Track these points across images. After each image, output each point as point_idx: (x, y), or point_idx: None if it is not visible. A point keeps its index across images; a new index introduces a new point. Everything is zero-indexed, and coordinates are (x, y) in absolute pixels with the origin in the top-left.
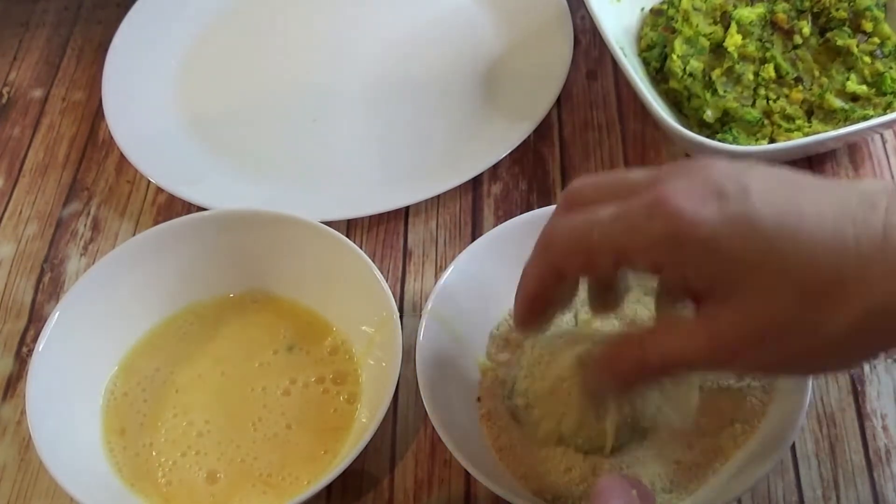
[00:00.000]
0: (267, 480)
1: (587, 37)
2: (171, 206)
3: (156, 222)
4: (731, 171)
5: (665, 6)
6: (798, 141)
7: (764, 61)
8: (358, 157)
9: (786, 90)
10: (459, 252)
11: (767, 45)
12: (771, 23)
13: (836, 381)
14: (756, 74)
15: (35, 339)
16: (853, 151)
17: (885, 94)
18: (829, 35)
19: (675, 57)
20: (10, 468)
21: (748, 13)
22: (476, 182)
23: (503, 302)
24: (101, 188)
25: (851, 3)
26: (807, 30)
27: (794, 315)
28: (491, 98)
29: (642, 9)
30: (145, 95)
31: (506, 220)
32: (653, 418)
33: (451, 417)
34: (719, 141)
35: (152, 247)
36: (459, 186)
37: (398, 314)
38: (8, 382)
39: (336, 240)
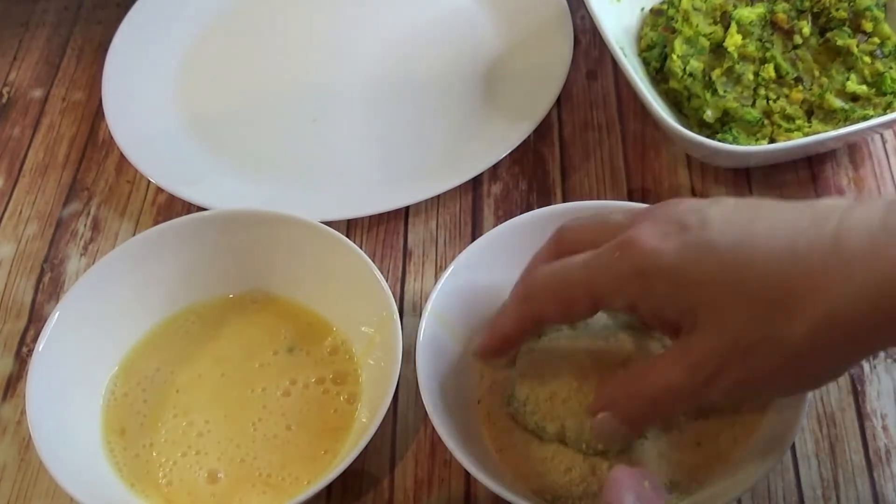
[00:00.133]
0: (267, 480)
1: (587, 37)
2: (171, 206)
3: (156, 222)
4: (695, 206)
5: (665, 6)
6: (798, 141)
7: (764, 61)
8: (358, 157)
9: (786, 90)
10: (459, 252)
11: (767, 45)
12: (771, 23)
13: (836, 381)
14: (756, 74)
15: (35, 339)
16: (853, 151)
17: (885, 94)
18: (829, 35)
19: (675, 57)
20: (10, 468)
21: (748, 13)
22: (476, 182)
23: (503, 302)
24: (101, 188)
25: (851, 3)
26: (807, 30)
27: (755, 330)
28: (491, 98)
29: (642, 9)
30: (145, 95)
31: (506, 220)
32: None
33: (451, 417)
34: (719, 141)
35: (152, 247)
36: (459, 186)
37: (398, 314)
38: (8, 382)
39: (336, 240)
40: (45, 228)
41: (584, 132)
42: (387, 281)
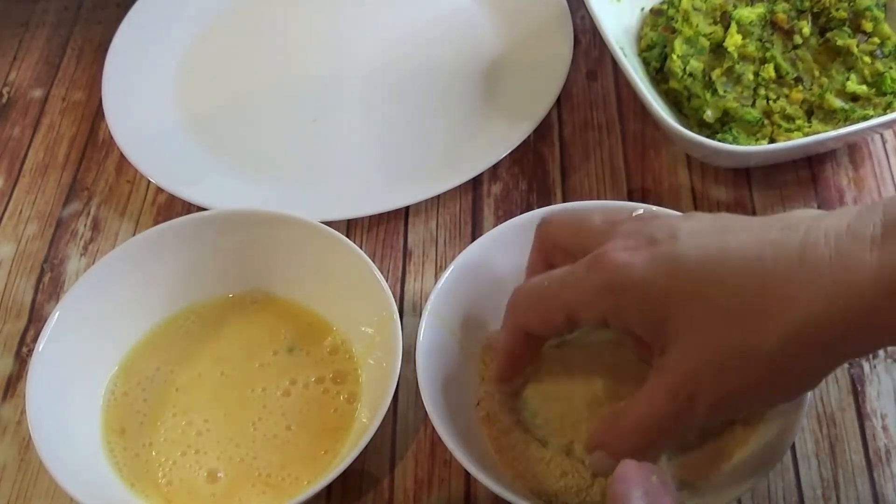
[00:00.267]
0: (267, 480)
1: (587, 37)
2: (171, 206)
3: (156, 222)
4: (667, 222)
5: (665, 6)
6: (798, 141)
7: (764, 61)
8: (358, 157)
9: (786, 90)
10: (459, 252)
11: (767, 45)
12: (771, 23)
13: (836, 381)
14: (756, 74)
15: (35, 339)
16: (853, 151)
17: (885, 94)
18: (829, 35)
19: (675, 57)
20: (10, 468)
21: (748, 13)
22: (476, 182)
23: (503, 302)
24: (101, 188)
25: (851, 3)
26: (807, 30)
27: (727, 345)
28: (491, 98)
29: (642, 9)
30: (145, 95)
31: (506, 220)
32: None
33: (451, 417)
34: (719, 141)
35: (152, 247)
36: (459, 186)
37: (398, 314)
38: (8, 382)
39: (336, 240)
40: (45, 228)
41: (584, 132)
42: (387, 281)
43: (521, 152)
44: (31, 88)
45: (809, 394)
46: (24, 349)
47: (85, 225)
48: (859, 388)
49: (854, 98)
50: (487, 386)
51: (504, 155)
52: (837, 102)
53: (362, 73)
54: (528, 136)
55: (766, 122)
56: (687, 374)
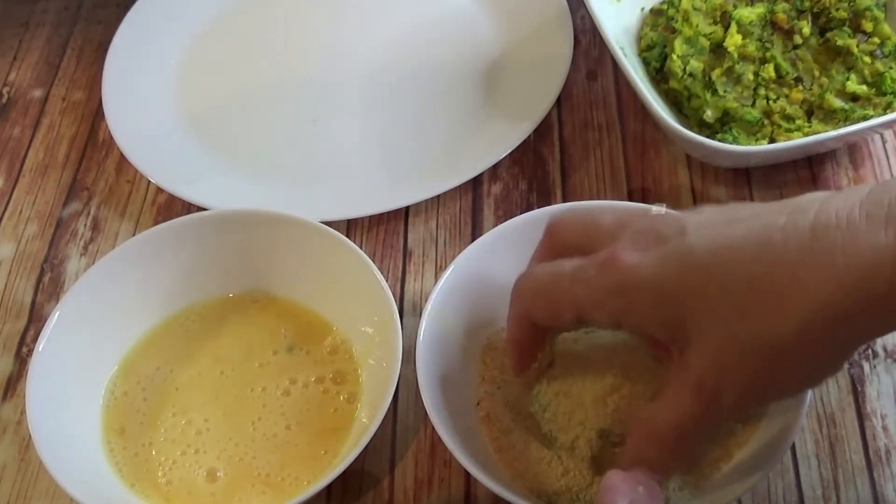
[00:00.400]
0: (266, 480)
1: (587, 37)
2: (171, 206)
3: (156, 222)
4: (675, 218)
5: (665, 6)
6: (798, 141)
7: (764, 61)
8: (358, 156)
9: (786, 90)
10: (459, 252)
11: (767, 45)
12: (771, 23)
13: (836, 381)
14: (756, 74)
15: (35, 339)
16: (853, 151)
17: (885, 94)
18: (829, 35)
19: (675, 57)
20: (10, 468)
21: (748, 13)
22: (476, 182)
23: (503, 302)
24: (101, 188)
25: (851, 3)
26: (807, 30)
27: (745, 333)
28: (491, 98)
29: (642, 9)
30: (145, 95)
31: (506, 220)
32: None
33: (451, 417)
34: (719, 141)
35: (152, 247)
36: (459, 186)
37: (398, 314)
38: (8, 382)
39: (336, 240)
40: (45, 228)
41: (584, 132)
42: (387, 281)
43: (521, 152)
44: (31, 88)
45: (809, 393)
46: (24, 349)
47: (85, 225)
48: (859, 388)
49: (854, 98)
50: (488, 386)
51: (504, 155)
52: (837, 102)
53: (362, 73)
54: (528, 136)
55: (766, 122)
56: (708, 369)
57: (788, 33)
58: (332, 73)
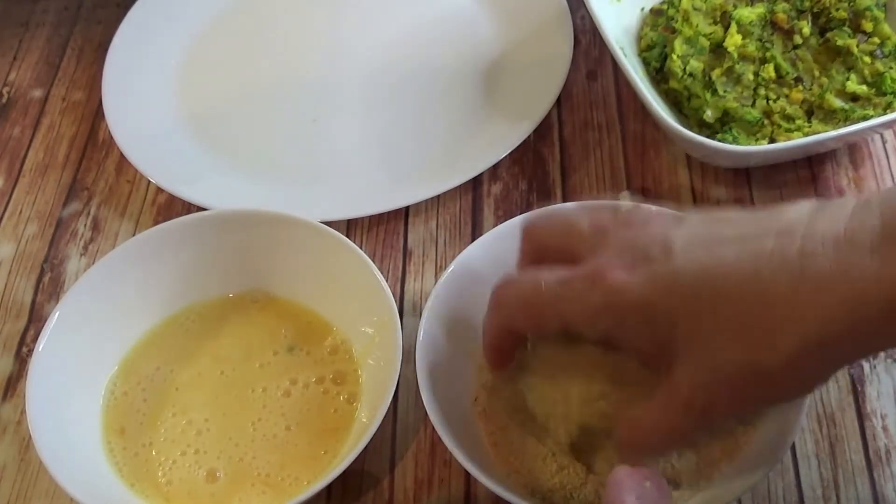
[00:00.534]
0: (266, 480)
1: (587, 37)
2: (171, 206)
3: (156, 222)
4: (659, 233)
5: (665, 6)
6: (798, 141)
7: (764, 61)
8: (358, 156)
9: (786, 90)
10: (459, 252)
11: (767, 45)
12: (771, 23)
13: (836, 381)
14: (756, 74)
15: (35, 339)
16: (853, 151)
17: (885, 94)
18: (829, 35)
19: (675, 57)
20: (10, 468)
21: (748, 13)
22: (476, 182)
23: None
24: (101, 188)
25: (851, 3)
26: (807, 30)
27: (735, 360)
28: (491, 98)
29: (642, 9)
30: (145, 95)
31: (506, 220)
32: None
33: (452, 417)
34: (719, 141)
35: (152, 247)
36: (459, 186)
37: (398, 314)
38: (8, 382)
39: (336, 240)
40: (45, 228)
41: (584, 132)
42: (387, 281)
43: (521, 152)
44: (31, 88)
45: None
46: (24, 349)
47: (85, 225)
48: (859, 388)
49: (854, 98)
50: (485, 382)
51: (504, 155)
52: (837, 102)
53: (362, 73)
54: (528, 136)
55: (766, 122)
56: (698, 390)
57: (788, 33)
58: (332, 73)
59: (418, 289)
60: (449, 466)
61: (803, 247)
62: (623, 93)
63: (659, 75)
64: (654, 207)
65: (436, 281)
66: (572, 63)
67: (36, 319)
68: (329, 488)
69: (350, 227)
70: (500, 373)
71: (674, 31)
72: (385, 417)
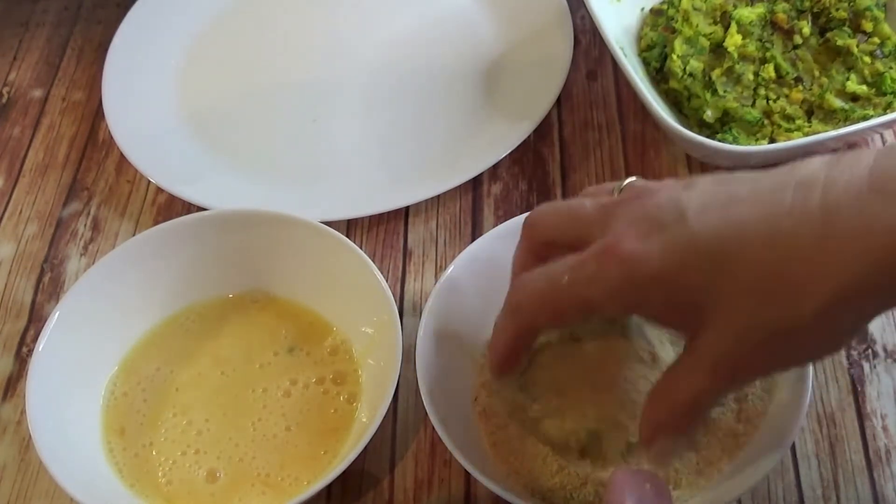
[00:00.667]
0: (266, 480)
1: (587, 37)
2: (171, 206)
3: (156, 222)
4: (669, 199)
5: (665, 6)
6: (798, 141)
7: (764, 61)
8: (358, 156)
9: (786, 90)
10: (459, 252)
11: (767, 45)
12: (771, 23)
13: (836, 381)
14: (756, 74)
15: (35, 339)
16: None
17: (885, 94)
18: (829, 35)
19: (675, 57)
20: (10, 468)
21: (748, 13)
22: (476, 182)
23: (503, 302)
24: (101, 188)
25: (851, 3)
26: (807, 30)
27: (763, 320)
28: (491, 98)
29: (642, 9)
30: (145, 95)
31: (506, 220)
32: None
33: (451, 417)
34: (719, 141)
35: (152, 247)
36: (459, 186)
37: (398, 314)
38: (8, 382)
39: (336, 240)
40: (45, 228)
41: (584, 132)
42: (387, 281)
43: (521, 152)
44: (31, 88)
45: (810, 394)
46: (24, 349)
47: (85, 225)
48: (859, 388)
49: (854, 98)
50: (485, 381)
51: (504, 155)
52: (837, 102)
53: (362, 73)
54: (528, 136)
55: (766, 122)
56: (726, 355)
57: (788, 33)
58: (332, 73)
59: (418, 289)
60: (449, 466)
61: (825, 198)
62: (623, 93)
63: (659, 75)
64: (654, 183)
65: (436, 281)
66: (572, 63)
67: (36, 319)
68: (329, 488)
69: (350, 227)
70: (503, 377)
71: (674, 31)
72: (385, 417)
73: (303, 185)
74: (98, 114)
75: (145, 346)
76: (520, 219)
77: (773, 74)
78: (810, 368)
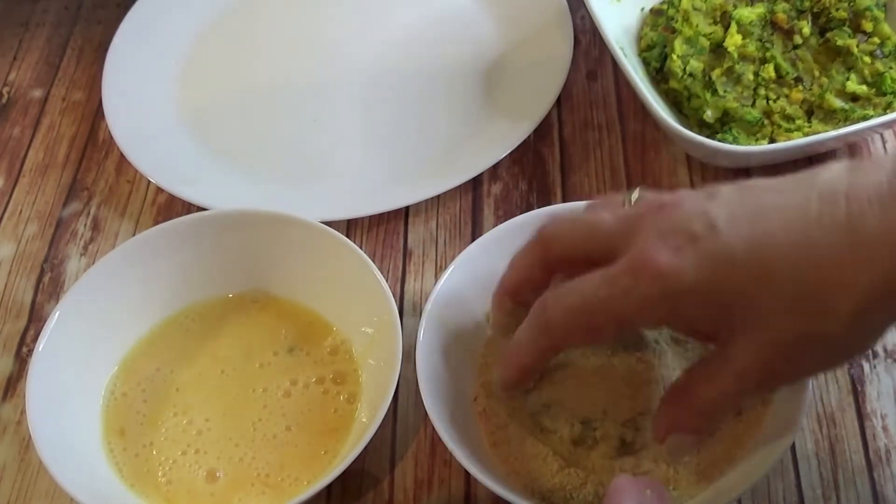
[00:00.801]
0: (266, 480)
1: (587, 37)
2: (171, 206)
3: (156, 222)
4: (695, 209)
5: (665, 6)
6: (798, 141)
7: (764, 61)
8: (358, 156)
9: (786, 90)
10: (459, 252)
11: (767, 45)
12: (771, 23)
13: (836, 381)
14: (756, 74)
15: (35, 339)
16: (853, 151)
17: (885, 94)
18: (829, 35)
19: (675, 57)
20: (10, 468)
21: (748, 13)
22: (476, 182)
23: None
24: (101, 188)
25: (851, 3)
26: (807, 30)
27: (796, 331)
28: (491, 98)
29: (642, 9)
30: (145, 95)
31: (506, 220)
32: None
33: (452, 417)
34: (719, 141)
35: (152, 247)
36: (459, 186)
37: (398, 314)
38: (8, 382)
39: (336, 240)
40: (45, 228)
41: (584, 132)
42: (387, 281)
43: (521, 152)
44: (31, 88)
45: (809, 393)
46: (24, 349)
47: (85, 225)
48: (859, 388)
49: (854, 98)
50: (485, 381)
51: (504, 155)
52: (837, 102)
53: (362, 73)
54: (528, 136)
55: (766, 122)
56: (757, 363)
57: (788, 33)
58: (332, 72)
59: (418, 289)
60: (449, 466)
61: (849, 207)
62: (623, 93)
63: (659, 75)
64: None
65: (436, 281)
66: (572, 63)
67: (36, 319)
68: (329, 488)
69: (350, 227)
70: (512, 393)
71: (674, 31)
72: (385, 417)
73: (303, 185)
74: (98, 114)
75: (145, 346)
76: (520, 219)
77: (773, 74)
78: None
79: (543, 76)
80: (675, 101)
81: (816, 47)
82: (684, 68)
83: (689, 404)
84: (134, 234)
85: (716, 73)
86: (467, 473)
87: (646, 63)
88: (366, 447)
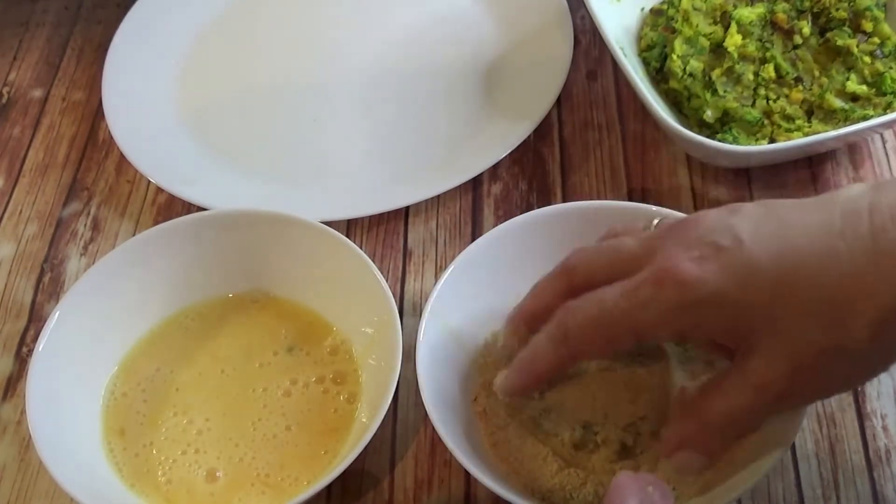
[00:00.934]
0: (266, 480)
1: (587, 37)
2: (171, 206)
3: (156, 222)
4: (720, 223)
5: (665, 6)
6: (798, 141)
7: (764, 61)
8: (358, 156)
9: (786, 90)
10: (459, 252)
11: (767, 45)
12: (771, 23)
13: None
14: (756, 74)
15: (35, 339)
16: (853, 151)
17: (885, 94)
18: (829, 35)
19: (675, 57)
20: (10, 468)
21: (748, 13)
22: (476, 182)
23: (503, 302)
24: (101, 188)
25: (851, 3)
26: (807, 30)
27: (817, 344)
28: (491, 98)
29: (642, 9)
30: (145, 95)
31: (506, 220)
32: None
33: (452, 417)
34: (719, 141)
35: (152, 247)
36: (459, 186)
37: (398, 314)
38: (8, 382)
39: (336, 240)
40: (45, 228)
41: (584, 132)
42: (387, 281)
43: (521, 152)
44: (31, 88)
45: None
46: (24, 349)
47: (85, 225)
48: (859, 388)
49: (854, 98)
50: (485, 381)
51: (504, 155)
52: (837, 102)
53: (362, 73)
54: (528, 136)
55: (766, 122)
56: (778, 376)
57: (788, 33)
58: (332, 72)
59: (418, 289)
60: (449, 466)
61: (873, 225)
62: (623, 93)
63: (659, 75)
64: (679, 214)
65: (436, 281)
66: (572, 63)
67: (36, 319)
68: (329, 488)
69: (350, 227)
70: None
71: (674, 31)
72: (385, 417)
73: (303, 185)
74: (98, 114)
75: (145, 346)
76: (520, 219)
77: (773, 74)
78: None
79: (543, 76)
80: (675, 101)
81: (816, 47)
82: (684, 68)
83: (703, 419)
84: (134, 234)
85: (716, 73)
86: (467, 473)
87: (646, 63)
88: (366, 447)
